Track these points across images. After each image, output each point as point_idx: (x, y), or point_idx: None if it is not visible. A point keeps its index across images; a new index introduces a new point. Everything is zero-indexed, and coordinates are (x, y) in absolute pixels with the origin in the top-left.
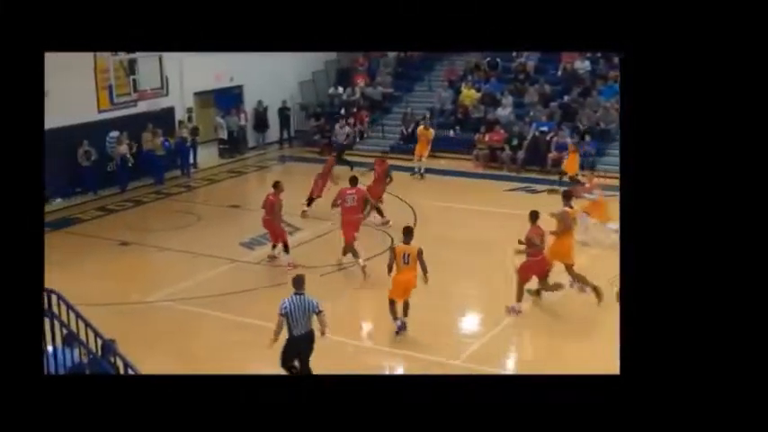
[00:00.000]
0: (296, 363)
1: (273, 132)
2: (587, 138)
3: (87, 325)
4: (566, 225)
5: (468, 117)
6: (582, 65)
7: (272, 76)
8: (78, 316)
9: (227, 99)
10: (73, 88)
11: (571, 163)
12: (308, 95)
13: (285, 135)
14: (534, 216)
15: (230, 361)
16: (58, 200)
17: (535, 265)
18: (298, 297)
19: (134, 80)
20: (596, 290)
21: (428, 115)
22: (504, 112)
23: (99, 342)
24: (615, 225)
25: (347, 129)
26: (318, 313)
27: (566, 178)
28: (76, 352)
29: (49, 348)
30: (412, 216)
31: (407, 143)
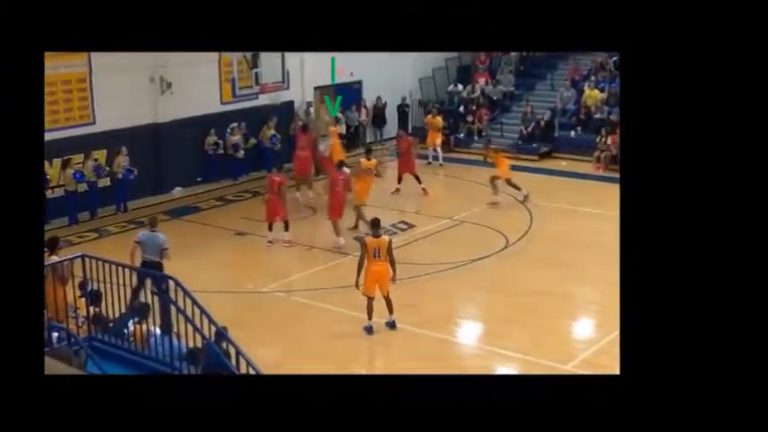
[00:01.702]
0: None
1: (392, 128)
2: None
3: (202, 311)
4: (357, 172)
5: (590, 118)
6: None
7: (392, 73)
8: (194, 302)
9: (347, 94)
10: (197, 81)
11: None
12: (428, 92)
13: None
14: (339, 164)
15: (336, 354)
16: (178, 188)
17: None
18: (151, 232)
19: (256, 74)
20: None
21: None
22: None
23: (213, 329)
24: None
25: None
26: (164, 249)
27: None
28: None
29: (157, 331)
30: (528, 216)
31: (527, 142)
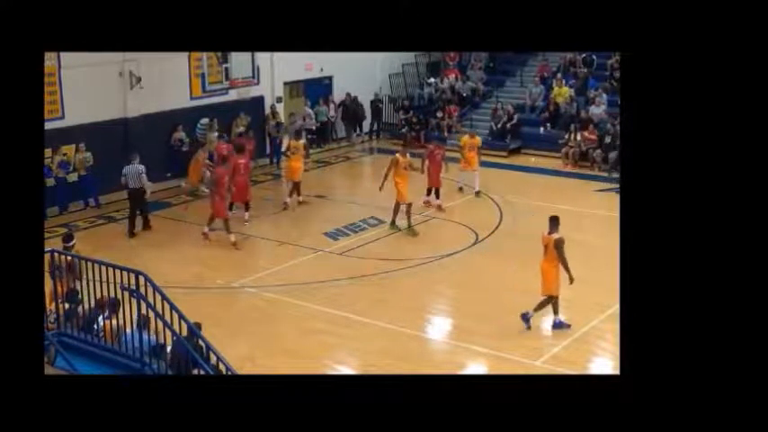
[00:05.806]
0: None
1: (365, 124)
2: None
3: (172, 307)
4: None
5: (558, 114)
6: None
7: (362, 68)
8: (164, 298)
9: (317, 89)
10: (167, 76)
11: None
12: (398, 88)
13: (375, 127)
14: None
15: (308, 350)
16: (148, 184)
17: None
18: (131, 165)
19: (226, 69)
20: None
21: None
22: (598, 110)
23: (184, 325)
24: None
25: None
26: (142, 174)
27: None
28: (152, 335)
29: (128, 330)
30: (498, 212)
31: (496, 139)
